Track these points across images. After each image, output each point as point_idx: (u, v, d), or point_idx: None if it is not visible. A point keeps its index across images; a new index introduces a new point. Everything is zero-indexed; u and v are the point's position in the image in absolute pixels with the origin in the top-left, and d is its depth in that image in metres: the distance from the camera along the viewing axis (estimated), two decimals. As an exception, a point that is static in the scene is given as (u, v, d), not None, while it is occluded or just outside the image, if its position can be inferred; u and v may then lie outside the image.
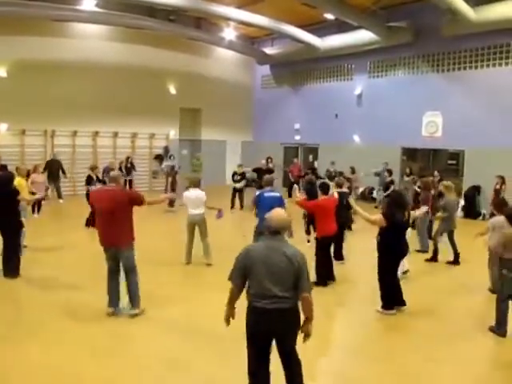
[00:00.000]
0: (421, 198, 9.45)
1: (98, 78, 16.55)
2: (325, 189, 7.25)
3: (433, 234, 9.22)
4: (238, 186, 13.65)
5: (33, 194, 9.63)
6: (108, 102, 16.71)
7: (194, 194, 7.81)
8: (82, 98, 16.04)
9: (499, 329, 5.38)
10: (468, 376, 4.51)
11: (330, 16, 15.79)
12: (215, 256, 7.92)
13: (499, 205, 6.74)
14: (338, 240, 8.03)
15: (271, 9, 15.64)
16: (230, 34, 18.24)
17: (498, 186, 12.32)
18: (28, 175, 10.31)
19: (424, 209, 8.01)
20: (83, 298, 6.17)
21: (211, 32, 18.37)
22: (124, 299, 5.71)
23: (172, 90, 18.78)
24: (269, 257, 3.36)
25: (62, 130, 16.07)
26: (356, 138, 17.28)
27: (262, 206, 6.81)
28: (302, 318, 3.50)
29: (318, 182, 8.63)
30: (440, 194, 9.36)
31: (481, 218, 13.54)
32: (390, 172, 13.22)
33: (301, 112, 19.34)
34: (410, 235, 6.94)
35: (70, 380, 4.20)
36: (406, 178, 12.93)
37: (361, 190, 16.36)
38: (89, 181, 10.73)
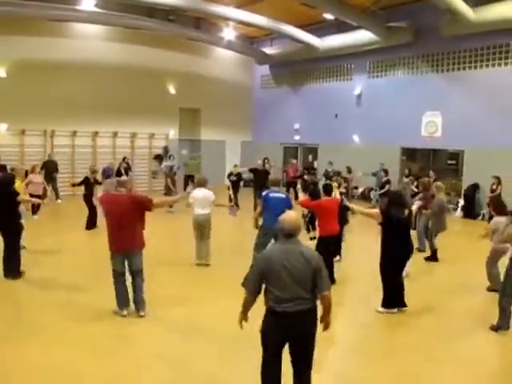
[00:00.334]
0: (419, 197, 9.45)
1: (98, 78, 16.55)
2: (328, 190, 7.29)
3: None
4: (232, 179, 13.58)
5: (31, 195, 9.62)
6: (107, 102, 16.69)
7: (201, 193, 7.75)
8: (82, 98, 16.03)
9: (502, 325, 5.38)
10: (468, 376, 4.51)
11: (329, 16, 15.78)
12: (216, 256, 7.91)
13: (497, 206, 6.80)
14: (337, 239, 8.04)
15: (270, 9, 15.63)
16: (229, 33, 18.23)
17: (494, 187, 12.34)
18: (26, 175, 10.30)
19: (418, 203, 8.03)
20: (83, 298, 6.18)
21: (210, 32, 18.36)
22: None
23: (171, 90, 18.77)
24: (288, 260, 3.38)
25: (62, 130, 16.07)
26: (355, 138, 17.27)
27: (268, 206, 6.86)
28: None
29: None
30: (433, 195, 9.41)
31: (480, 218, 13.54)
32: (386, 172, 13.91)
33: (300, 112, 19.33)
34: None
35: (70, 380, 4.20)
36: (405, 179, 12.92)
37: (360, 190, 16.38)
38: (85, 182, 10.71)
